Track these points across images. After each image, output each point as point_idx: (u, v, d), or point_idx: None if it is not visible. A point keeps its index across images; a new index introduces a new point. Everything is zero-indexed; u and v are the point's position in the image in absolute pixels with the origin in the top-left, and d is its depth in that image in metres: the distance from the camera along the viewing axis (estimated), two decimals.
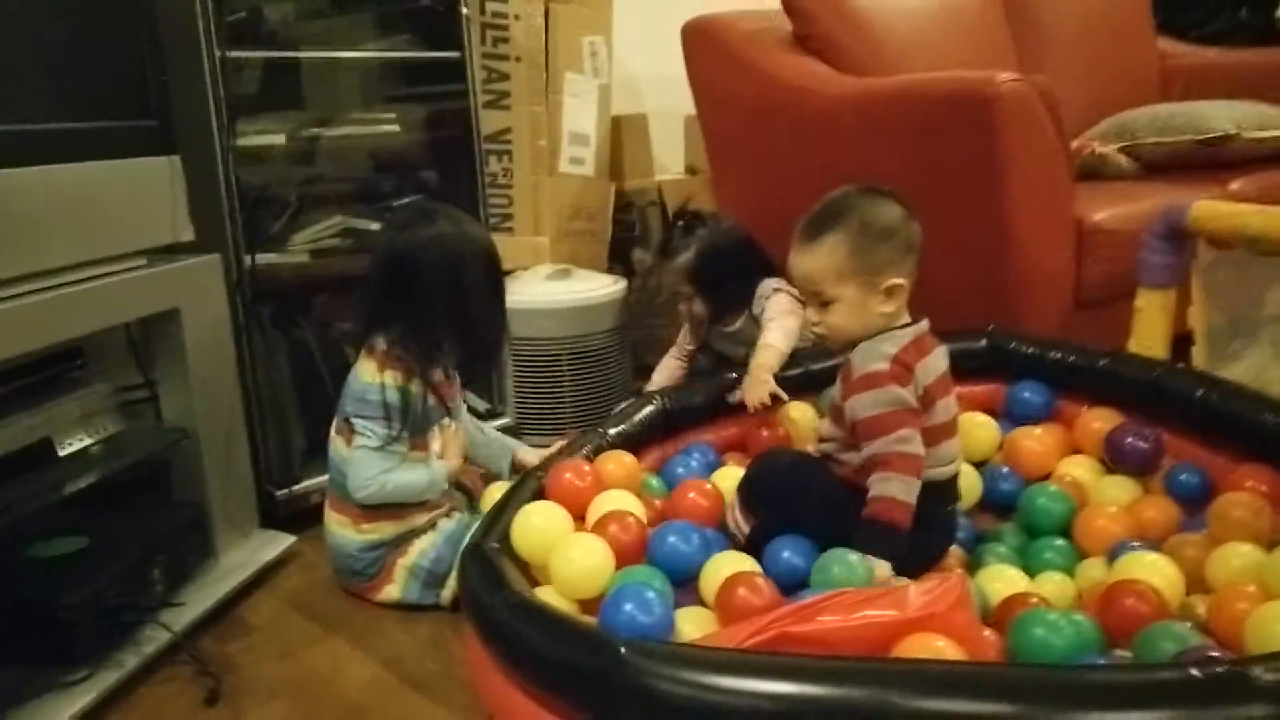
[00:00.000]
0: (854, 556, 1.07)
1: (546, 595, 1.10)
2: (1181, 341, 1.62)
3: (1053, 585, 1.18)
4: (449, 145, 1.93)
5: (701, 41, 2.27)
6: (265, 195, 1.71)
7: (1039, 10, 2.60)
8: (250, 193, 1.62)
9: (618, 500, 1.27)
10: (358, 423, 1.38)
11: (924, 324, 1.20)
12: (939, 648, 0.88)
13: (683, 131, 2.74)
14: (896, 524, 1.10)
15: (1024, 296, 1.81)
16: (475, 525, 1.41)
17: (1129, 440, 1.37)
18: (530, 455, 1.61)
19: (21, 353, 1.20)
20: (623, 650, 0.82)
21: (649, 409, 1.57)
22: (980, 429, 1.50)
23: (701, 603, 1.13)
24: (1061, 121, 1.79)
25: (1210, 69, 2.70)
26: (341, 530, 1.43)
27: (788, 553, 1.16)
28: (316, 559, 1.57)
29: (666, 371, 1.96)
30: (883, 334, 1.17)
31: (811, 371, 1.64)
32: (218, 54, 1.52)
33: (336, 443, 1.43)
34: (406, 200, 1.88)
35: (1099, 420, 1.44)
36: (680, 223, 1.85)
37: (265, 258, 1.66)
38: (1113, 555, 1.19)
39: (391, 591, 1.41)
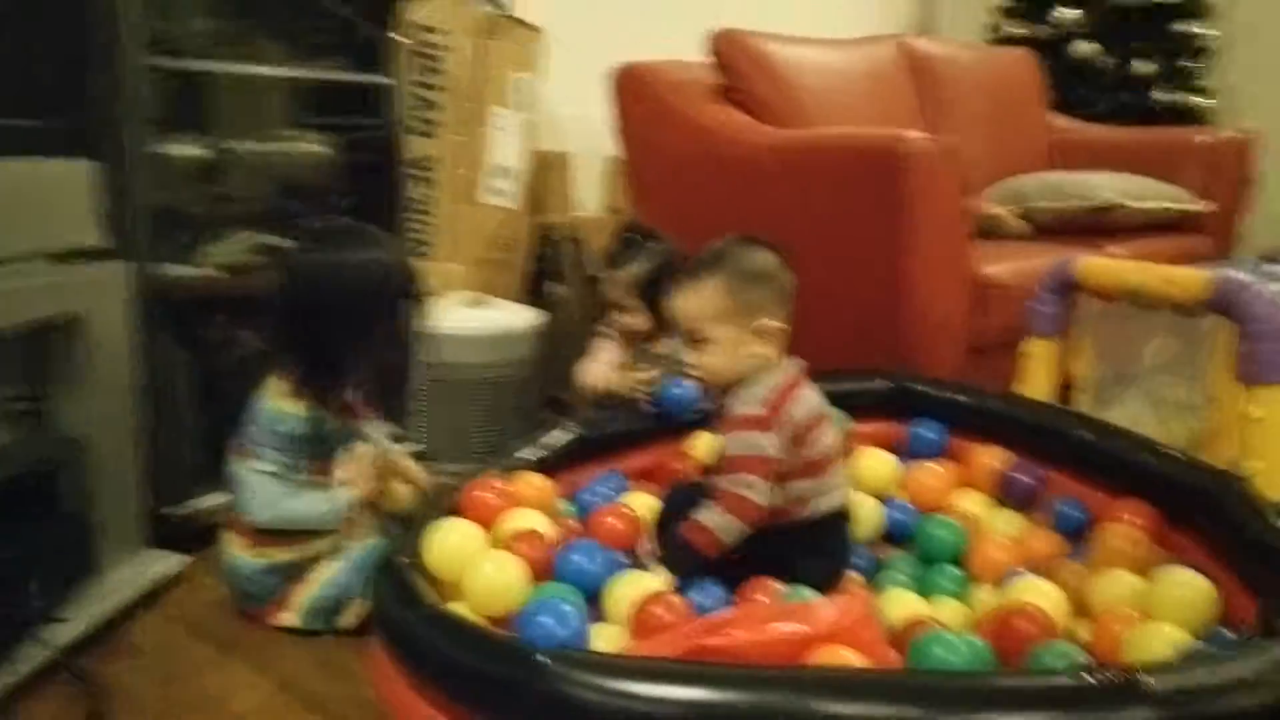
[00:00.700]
0: (809, 593, 1.11)
1: (459, 612, 1.09)
2: (1065, 388, 1.71)
3: (948, 610, 1.23)
4: (372, 168, 1.93)
5: (630, 87, 2.34)
6: (178, 207, 1.67)
7: (943, 80, 2.76)
8: (163, 203, 1.58)
9: (527, 519, 1.27)
10: (255, 447, 1.35)
11: (796, 363, 1.25)
12: (846, 660, 0.91)
13: (604, 173, 2.79)
14: (699, 550, 1.18)
15: (922, 341, 1.90)
16: (383, 548, 1.40)
17: (1018, 477, 1.44)
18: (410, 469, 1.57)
19: None
20: (544, 659, 0.83)
21: (564, 436, 1.58)
22: (881, 464, 1.55)
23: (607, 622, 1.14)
24: (963, 181, 1.90)
25: (1095, 143, 2.90)
26: (237, 552, 1.39)
27: (697, 596, 1.16)
28: (209, 580, 1.52)
29: (606, 355, 1.84)
30: (758, 377, 1.22)
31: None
32: (139, 61, 1.49)
33: (234, 462, 1.39)
34: (321, 218, 1.86)
35: (990, 457, 1.51)
36: (629, 235, 1.83)
37: (174, 270, 1.63)
38: (1003, 582, 1.24)
39: (289, 619, 1.37)
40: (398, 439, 1.93)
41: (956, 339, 1.93)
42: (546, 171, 2.44)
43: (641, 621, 1.06)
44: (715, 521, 1.17)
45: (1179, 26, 3.41)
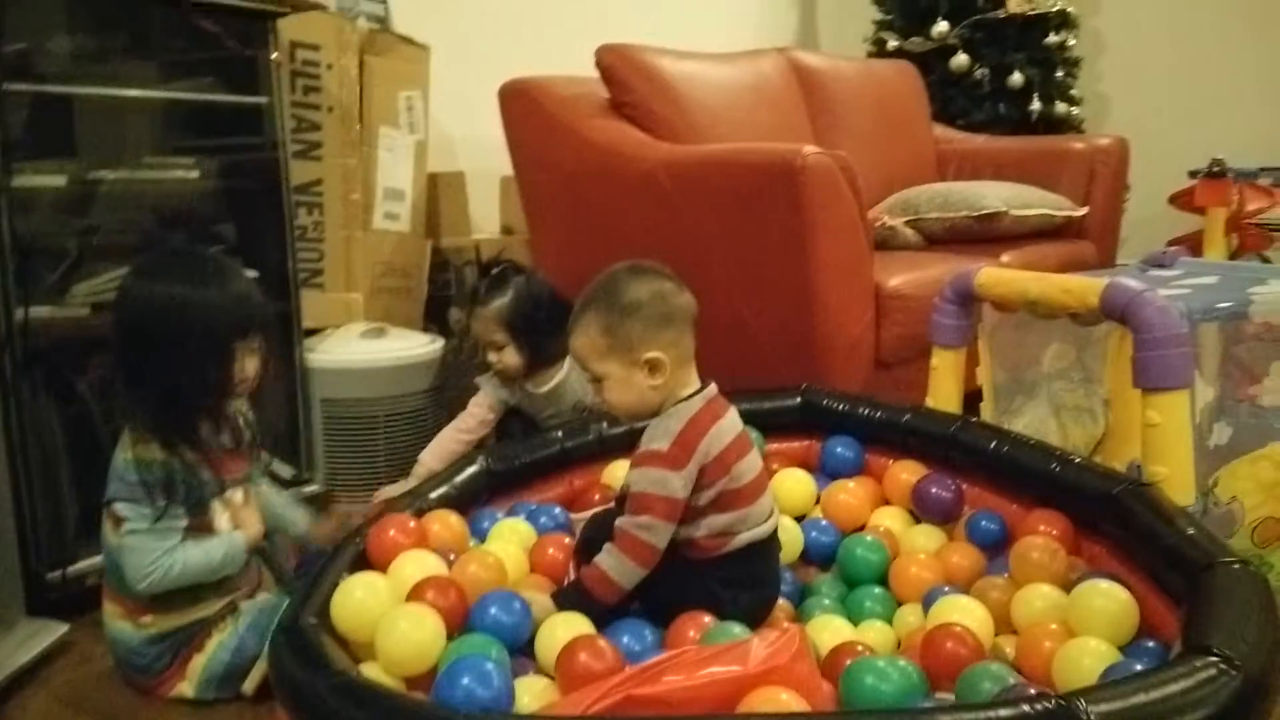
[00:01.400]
0: (738, 629, 1.08)
1: (372, 673, 1.02)
2: (972, 397, 1.74)
3: (875, 633, 1.23)
4: (254, 195, 1.83)
5: (518, 103, 2.29)
6: (40, 242, 1.55)
7: (831, 93, 2.80)
8: (24, 239, 1.46)
9: (429, 563, 1.20)
10: (119, 507, 1.24)
11: (710, 390, 1.22)
12: (784, 701, 0.89)
13: (498, 192, 2.73)
14: (597, 598, 1.15)
15: (830, 356, 1.91)
16: (280, 606, 1.31)
17: (933, 490, 1.45)
18: (317, 532, 1.49)
19: None
20: None
21: (471, 469, 1.52)
22: (798, 484, 1.54)
23: (537, 669, 1.09)
24: (860, 193, 1.92)
25: (979, 153, 2.99)
26: (119, 623, 1.28)
27: (627, 637, 1.12)
28: (93, 648, 1.40)
29: (440, 447, 1.81)
30: (672, 409, 1.19)
31: (635, 430, 1.65)
32: None
33: (106, 529, 1.27)
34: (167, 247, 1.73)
35: (905, 472, 1.51)
36: (494, 270, 1.80)
37: (39, 311, 1.50)
38: (927, 601, 1.24)
39: (184, 690, 1.27)
40: (292, 480, 1.84)
41: (864, 353, 1.95)
42: (441, 193, 2.37)
43: (567, 671, 1.01)
44: (611, 565, 1.14)
45: (1051, 38, 3.55)
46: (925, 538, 1.42)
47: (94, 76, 1.61)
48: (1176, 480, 1.29)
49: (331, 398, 1.87)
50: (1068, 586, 1.18)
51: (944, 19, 3.55)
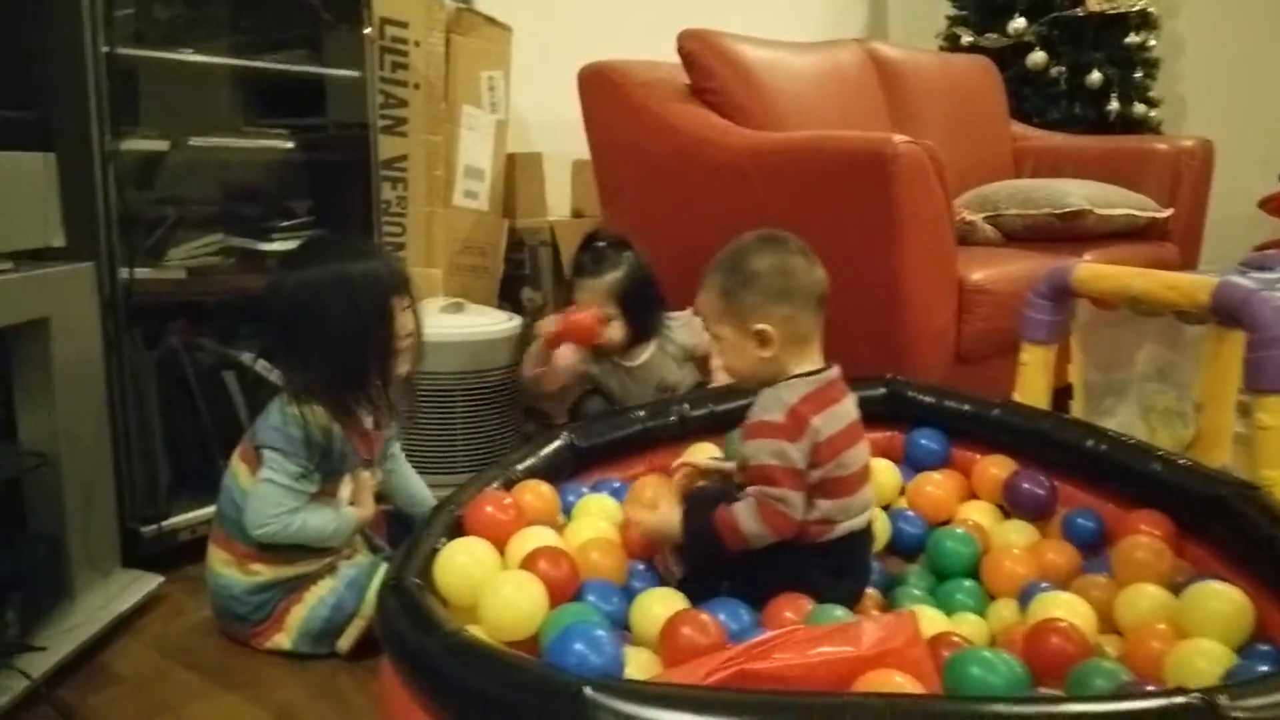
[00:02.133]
0: (840, 611, 1.07)
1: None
2: (1060, 394, 1.71)
3: (968, 625, 1.21)
4: (342, 168, 1.85)
5: (598, 87, 2.29)
6: (141, 205, 1.57)
7: (909, 85, 2.76)
8: (128, 201, 1.49)
9: (540, 536, 1.21)
10: (268, 454, 1.27)
11: (832, 372, 1.21)
12: (899, 684, 0.88)
13: (570, 175, 2.73)
14: (721, 545, 1.14)
15: (912, 348, 1.88)
16: (381, 567, 1.33)
17: (1026, 487, 1.42)
18: None
19: None
20: (586, 690, 0.77)
21: (556, 444, 1.53)
22: (884, 474, 1.52)
23: (632, 642, 1.09)
24: (948, 185, 1.89)
25: (1057, 151, 2.94)
26: (225, 570, 1.30)
27: (724, 616, 1.10)
28: (187, 602, 1.44)
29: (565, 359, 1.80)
30: (786, 381, 1.18)
31: (717, 412, 1.64)
32: (103, 50, 1.40)
33: (239, 471, 1.31)
34: (306, 235, 1.77)
35: (995, 467, 1.49)
36: (598, 244, 1.79)
37: (139, 272, 1.52)
38: (1023, 596, 1.22)
39: (281, 641, 1.29)
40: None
41: (945, 347, 1.92)
42: (518, 173, 2.37)
43: (671, 644, 1.01)
44: (745, 520, 1.13)
45: (1131, 38, 3.47)
46: (1016, 533, 1.40)
47: (197, 45, 1.63)
48: None
49: (418, 370, 1.88)
50: (1173, 588, 1.16)
51: (1021, 15, 3.49)
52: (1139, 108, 3.52)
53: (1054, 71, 3.48)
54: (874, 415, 1.65)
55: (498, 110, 2.23)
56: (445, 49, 2.09)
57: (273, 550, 1.28)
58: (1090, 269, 1.56)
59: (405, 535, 1.44)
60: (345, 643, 1.28)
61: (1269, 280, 1.58)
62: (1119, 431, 1.54)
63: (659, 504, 1.24)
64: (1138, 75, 3.53)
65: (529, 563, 1.12)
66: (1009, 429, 1.52)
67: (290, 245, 1.73)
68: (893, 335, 1.88)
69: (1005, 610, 1.24)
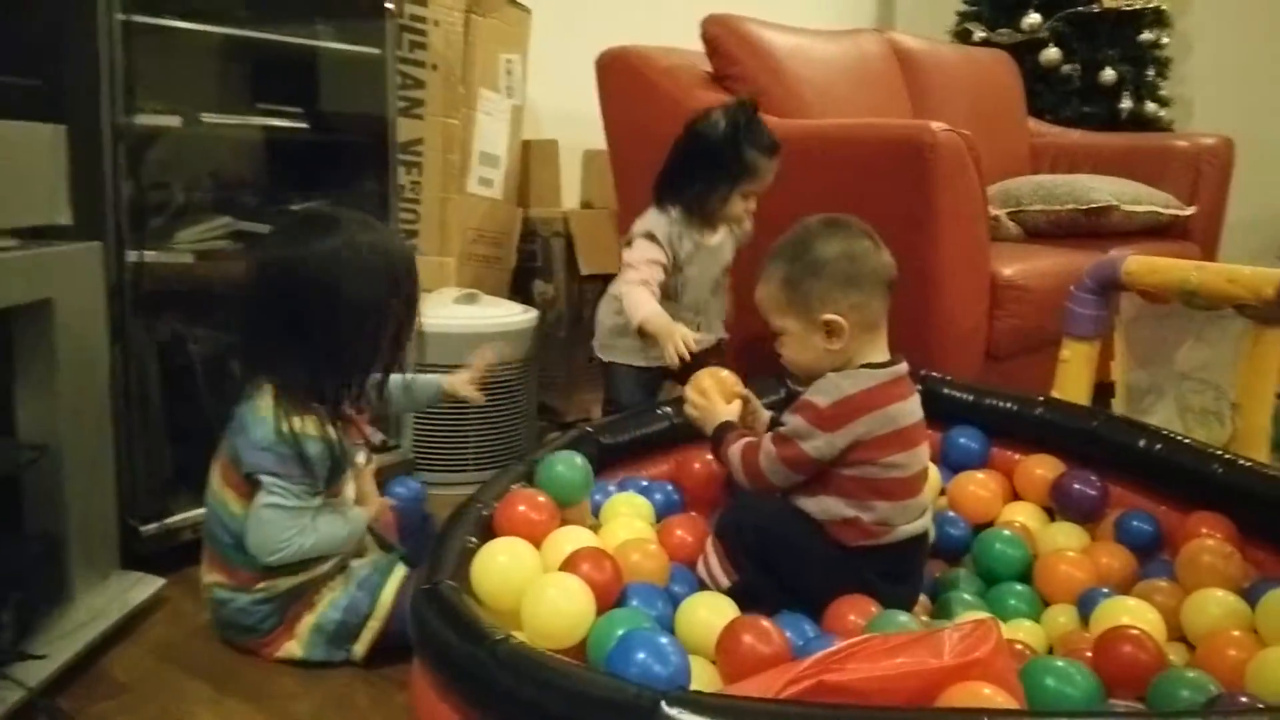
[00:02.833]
0: (904, 617, 1.02)
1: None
2: (1099, 391, 1.66)
3: (1024, 632, 1.15)
4: (358, 150, 1.77)
5: (618, 73, 2.22)
6: (151, 184, 1.49)
7: (931, 78, 2.70)
8: (136, 179, 1.41)
9: (577, 536, 1.14)
10: (267, 480, 1.15)
11: (899, 367, 1.15)
12: (988, 696, 0.81)
13: (580, 165, 2.66)
14: (726, 458, 1.19)
15: (944, 345, 1.82)
16: (398, 565, 1.26)
17: (1078, 488, 1.37)
18: (459, 383, 1.46)
19: None
20: (663, 705, 0.71)
21: (581, 441, 1.46)
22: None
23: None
24: (984, 176, 1.83)
25: (1076, 148, 2.89)
26: (223, 592, 1.22)
27: (789, 632, 1.03)
28: (188, 605, 1.35)
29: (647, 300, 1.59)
30: (854, 369, 1.12)
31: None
32: (117, 16, 1.32)
33: (225, 497, 1.20)
34: (297, 207, 1.69)
35: (1041, 467, 1.43)
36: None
37: (146, 254, 1.44)
38: (1084, 603, 1.17)
39: (293, 649, 1.21)
40: (379, 445, 1.78)
41: (978, 343, 1.87)
42: (534, 160, 2.30)
43: (730, 652, 0.94)
44: (733, 456, 1.17)
45: (1145, 35, 3.43)
46: (1065, 536, 1.34)
47: (211, 15, 1.54)
48: None
49: (423, 362, 1.81)
50: (1242, 592, 1.11)
51: (1036, 11, 3.44)
52: (1150, 106, 3.48)
53: (1067, 68, 3.44)
54: None
55: (514, 95, 2.16)
56: (465, 29, 2.01)
57: (280, 567, 1.19)
58: (1142, 261, 1.50)
59: (417, 529, 1.40)
60: (360, 648, 1.20)
61: None
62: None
63: (710, 395, 1.25)
64: (1149, 74, 3.50)
65: (570, 565, 1.05)
66: (1056, 428, 1.47)
67: None
68: (925, 332, 1.81)
69: (1062, 616, 1.18)
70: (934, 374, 1.63)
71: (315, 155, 1.78)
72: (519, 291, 2.27)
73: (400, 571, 1.24)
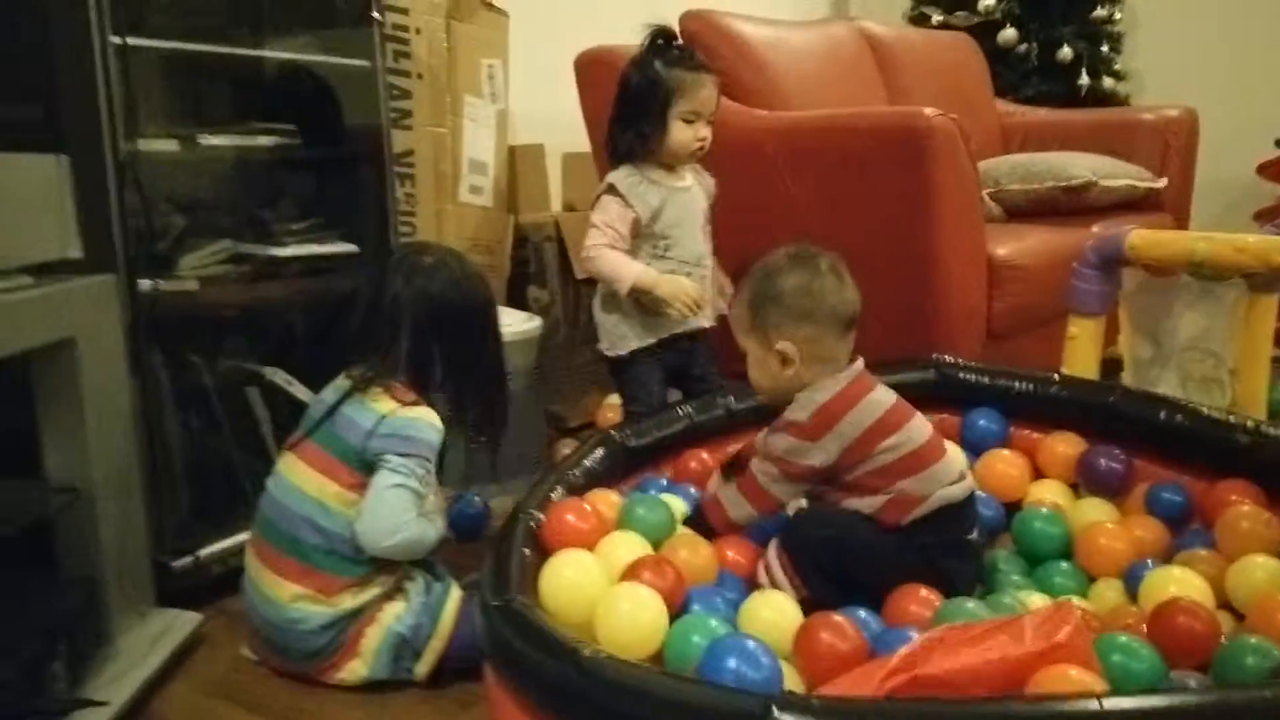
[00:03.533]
0: (971, 604, 1.03)
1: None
2: (1105, 366, 1.69)
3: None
4: (351, 165, 1.74)
5: (597, 73, 2.20)
6: (154, 211, 1.46)
7: (903, 64, 2.73)
8: (141, 206, 1.37)
9: (629, 543, 1.14)
10: (396, 460, 1.19)
11: (855, 367, 1.20)
12: (1076, 679, 0.83)
13: (560, 169, 2.64)
14: (724, 508, 1.24)
15: (946, 327, 1.85)
16: (446, 585, 1.25)
17: (1104, 463, 1.39)
18: None
19: None
20: (775, 709, 0.71)
21: (608, 445, 1.46)
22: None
23: None
24: (975, 158, 1.86)
25: (1044, 126, 2.94)
26: (306, 606, 1.18)
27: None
28: (223, 638, 1.33)
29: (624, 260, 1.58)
30: (818, 383, 1.18)
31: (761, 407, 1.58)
32: (111, 40, 1.28)
33: (321, 497, 1.20)
34: (320, 237, 1.68)
35: (1063, 444, 1.46)
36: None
37: (157, 284, 1.41)
38: (1130, 576, 1.19)
39: (357, 668, 1.19)
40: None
41: (978, 324, 1.89)
42: (521, 165, 2.28)
43: (809, 650, 0.95)
44: (729, 499, 1.22)
45: (1098, 11, 3.50)
46: (1096, 511, 1.36)
47: (202, 35, 1.51)
48: None
49: None
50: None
51: None
52: (1107, 81, 3.55)
53: (1024, 48, 3.49)
54: (923, 399, 1.62)
55: (498, 100, 2.14)
56: (446, 35, 1.99)
57: (367, 574, 1.20)
58: (1145, 235, 1.53)
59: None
60: (423, 668, 1.19)
61: None
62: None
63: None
64: (1104, 49, 3.57)
65: (632, 574, 1.05)
66: (1075, 405, 1.49)
67: (305, 249, 1.64)
68: (926, 314, 1.84)
69: (1109, 591, 1.21)
70: (946, 358, 1.65)
71: (310, 172, 1.76)
72: (513, 299, 2.25)
73: (457, 591, 1.24)
